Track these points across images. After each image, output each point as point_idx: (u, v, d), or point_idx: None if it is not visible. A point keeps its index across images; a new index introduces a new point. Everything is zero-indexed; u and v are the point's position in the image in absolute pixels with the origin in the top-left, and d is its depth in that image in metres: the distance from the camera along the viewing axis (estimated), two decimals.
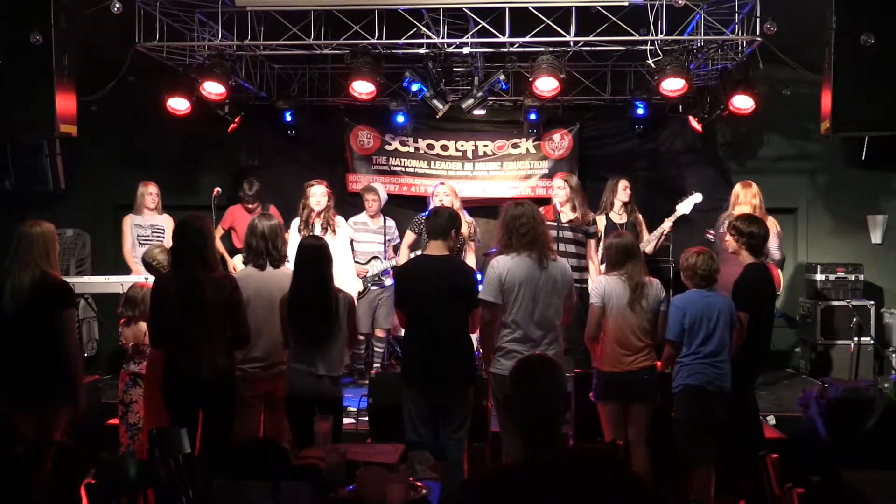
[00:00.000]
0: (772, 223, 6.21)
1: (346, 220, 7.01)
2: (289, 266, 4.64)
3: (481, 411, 4.99)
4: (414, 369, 4.50)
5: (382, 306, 6.90)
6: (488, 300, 4.41)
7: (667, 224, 6.54)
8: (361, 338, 6.86)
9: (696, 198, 6.58)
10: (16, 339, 4.15)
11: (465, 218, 6.30)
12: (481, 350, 4.76)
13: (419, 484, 3.16)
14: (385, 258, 6.93)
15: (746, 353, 4.66)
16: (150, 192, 6.98)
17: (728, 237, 4.91)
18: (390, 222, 7.15)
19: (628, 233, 5.46)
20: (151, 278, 5.07)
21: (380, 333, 7.01)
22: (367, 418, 5.25)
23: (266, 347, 4.53)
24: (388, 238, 7.09)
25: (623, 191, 6.81)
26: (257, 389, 4.53)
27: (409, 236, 6.75)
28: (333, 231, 6.40)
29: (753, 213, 5.77)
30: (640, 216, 6.90)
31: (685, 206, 6.59)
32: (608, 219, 6.77)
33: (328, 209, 6.52)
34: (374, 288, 6.93)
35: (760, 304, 4.77)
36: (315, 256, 4.40)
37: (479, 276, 4.77)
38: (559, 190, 6.40)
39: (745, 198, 6.31)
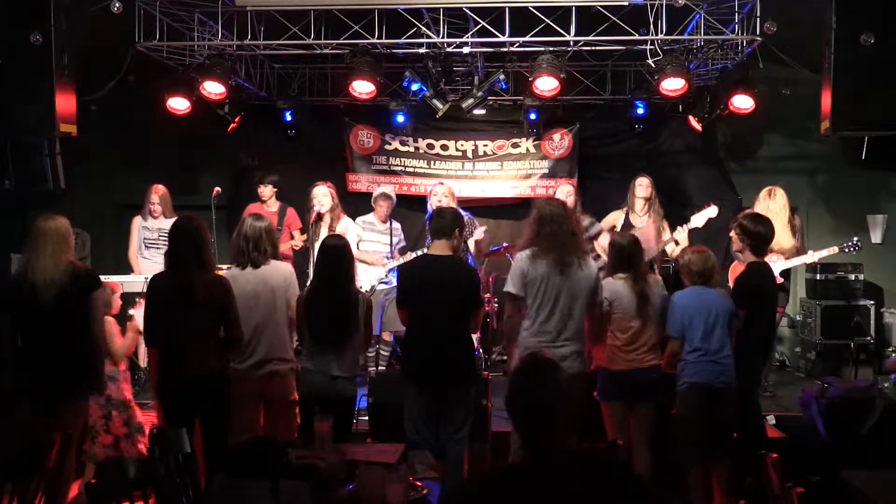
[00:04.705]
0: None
1: (352, 219, 6.99)
2: (275, 263, 4.61)
3: (481, 411, 4.99)
4: (415, 369, 4.50)
5: (390, 308, 6.85)
6: (512, 292, 4.41)
7: (679, 234, 6.46)
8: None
9: (711, 212, 6.47)
10: (52, 332, 4.23)
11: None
12: (480, 347, 4.75)
13: (419, 484, 3.16)
14: (391, 258, 6.91)
15: (747, 352, 4.65)
16: (152, 202, 6.92)
17: (733, 234, 4.91)
18: (395, 224, 7.14)
19: (630, 233, 5.44)
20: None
21: (387, 337, 6.93)
22: (367, 418, 5.25)
23: (253, 347, 4.46)
24: (394, 239, 7.07)
25: (639, 187, 6.73)
26: (245, 389, 4.44)
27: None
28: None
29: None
30: (665, 222, 6.71)
31: (699, 220, 6.46)
32: (626, 218, 6.70)
33: (332, 210, 6.50)
34: (381, 287, 6.90)
35: (760, 303, 4.76)
36: (336, 256, 4.40)
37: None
38: (568, 197, 6.37)
39: (763, 206, 6.35)
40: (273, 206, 7.21)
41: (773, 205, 6.44)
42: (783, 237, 6.44)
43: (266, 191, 7.17)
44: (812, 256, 6.44)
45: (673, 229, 6.55)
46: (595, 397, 4.71)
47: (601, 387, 4.69)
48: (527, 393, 2.38)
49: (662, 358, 4.66)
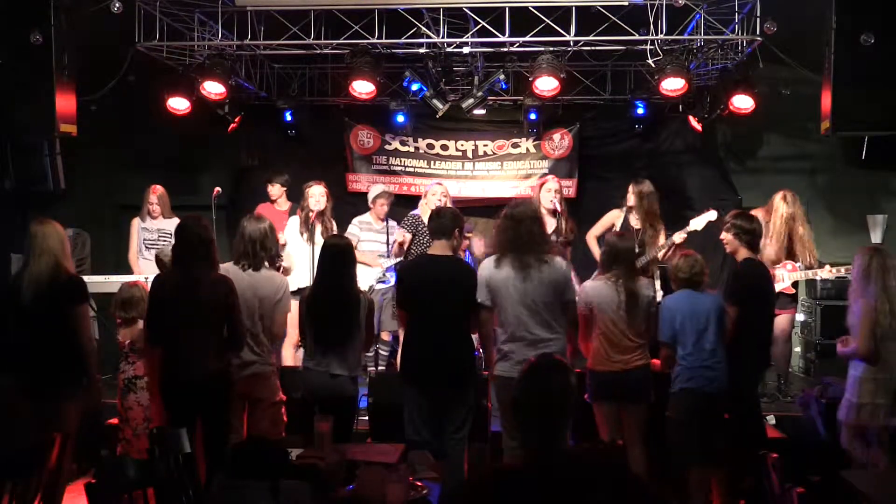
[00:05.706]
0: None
1: (349, 220, 6.99)
2: (272, 273, 4.59)
3: (481, 411, 4.99)
4: (414, 369, 4.50)
5: (387, 308, 6.86)
6: (481, 301, 4.43)
7: (677, 237, 6.42)
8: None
9: (711, 215, 6.38)
10: (31, 330, 4.26)
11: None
12: (481, 351, 4.77)
13: (419, 484, 3.16)
14: (389, 256, 6.91)
15: (744, 351, 4.64)
16: (151, 202, 6.92)
17: (727, 235, 4.88)
18: (392, 222, 7.15)
19: (627, 234, 5.42)
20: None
21: (385, 336, 6.93)
22: (367, 418, 5.25)
23: None
24: (391, 237, 7.06)
25: (631, 196, 6.59)
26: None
27: (401, 233, 6.64)
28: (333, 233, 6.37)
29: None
30: (660, 226, 6.57)
31: (698, 223, 6.41)
32: (626, 219, 6.63)
33: (326, 211, 6.51)
34: (378, 286, 6.90)
35: (756, 300, 4.75)
36: (338, 256, 4.40)
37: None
38: (557, 194, 6.32)
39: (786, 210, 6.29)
40: (284, 205, 7.16)
41: (799, 211, 6.35)
42: (807, 242, 6.33)
43: (275, 190, 7.16)
44: (829, 273, 6.37)
45: (672, 231, 6.52)
46: (586, 399, 4.70)
47: (589, 388, 4.68)
48: (534, 394, 2.38)
49: (651, 358, 4.65)
